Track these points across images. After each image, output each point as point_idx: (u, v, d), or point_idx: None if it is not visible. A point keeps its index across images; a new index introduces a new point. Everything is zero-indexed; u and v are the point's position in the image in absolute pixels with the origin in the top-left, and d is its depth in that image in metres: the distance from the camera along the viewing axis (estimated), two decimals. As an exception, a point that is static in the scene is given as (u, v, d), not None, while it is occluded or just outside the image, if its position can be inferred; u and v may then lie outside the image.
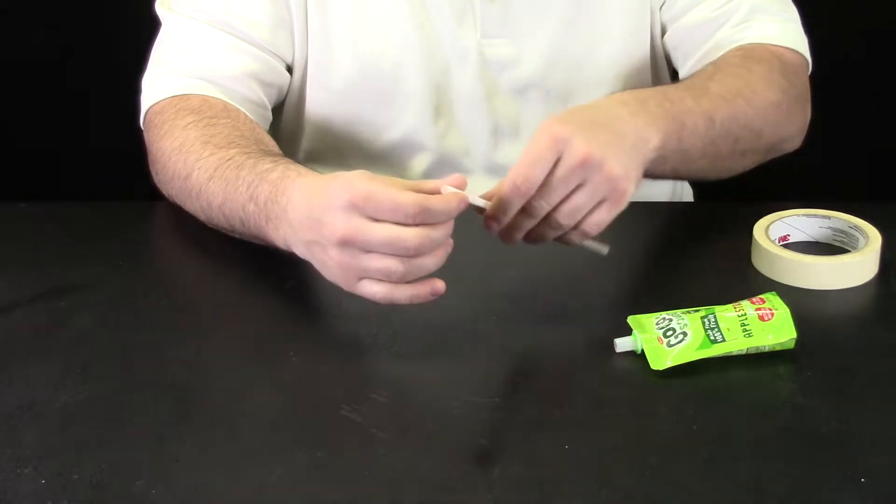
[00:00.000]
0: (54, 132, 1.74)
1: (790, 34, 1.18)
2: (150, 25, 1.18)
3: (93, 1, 1.67)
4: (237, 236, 1.05)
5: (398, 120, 1.21)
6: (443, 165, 1.24)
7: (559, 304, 0.99)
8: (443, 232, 0.88)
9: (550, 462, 0.80)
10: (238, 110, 1.13)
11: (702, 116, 1.05)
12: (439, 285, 0.89)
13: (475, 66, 1.19)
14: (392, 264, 0.87)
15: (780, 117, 1.13)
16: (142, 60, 1.18)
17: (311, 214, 0.90)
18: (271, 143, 1.09)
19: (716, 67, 1.13)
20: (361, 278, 0.89)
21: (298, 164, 0.99)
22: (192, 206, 1.08)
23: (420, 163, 1.24)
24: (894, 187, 1.67)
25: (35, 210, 1.18)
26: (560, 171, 0.91)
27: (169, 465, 0.81)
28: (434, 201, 0.86)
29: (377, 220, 0.86)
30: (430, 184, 0.89)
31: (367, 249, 0.87)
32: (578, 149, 0.91)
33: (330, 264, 0.90)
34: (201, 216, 1.07)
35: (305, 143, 1.26)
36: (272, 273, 1.00)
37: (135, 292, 1.03)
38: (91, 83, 1.69)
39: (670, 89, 1.06)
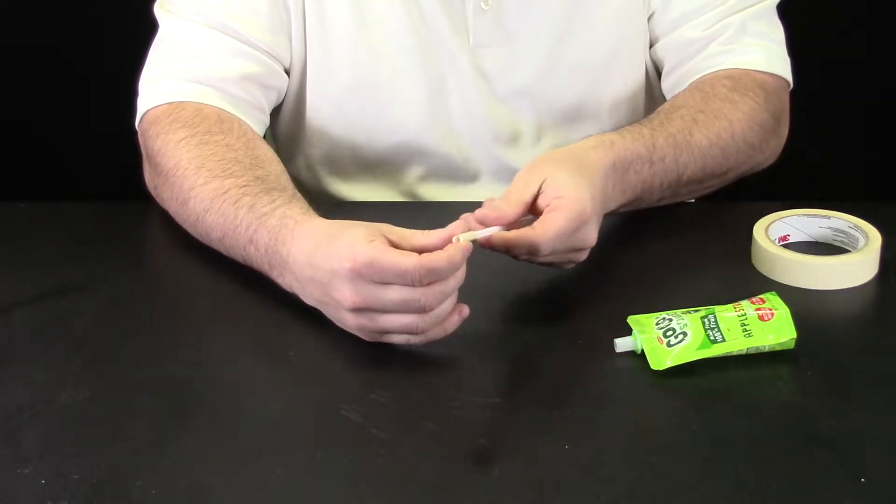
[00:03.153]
0: (54, 132, 1.75)
1: (774, 60, 1.19)
2: (151, 26, 1.18)
3: (94, 1, 1.67)
4: None
5: (397, 126, 1.21)
6: (443, 171, 1.23)
7: (559, 304, 0.99)
8: (454, 283, 0.88)
9: (550, 462, 0.80)
10: (232, 120, 1.11)
11: (674, 174, 1.08)
12: (465, 310, 0.91)
13: (469, 74, 1.19)
14: (412, 320, 0.88)
15: (751, 155, 1.15)
16: (142, 61, 1.17)
17: (314, 276, 0.91)
18: (266, 159, 1.07)
19: (704, 99, 1.13)
20: (384, 333, 0.90)
21: (296, 201, 0.99)
22: (190, 229, 1.07)
23: (420, 168, 1.24)
24: (894, 187, 1.68)
25: (35, 210, 1.18)
26: (562, 249, 0.95)
27: (169, 465, 0.81)
28: (438, 261, 0.86)
29: (386, 284, 0.87)
30: (436, 235, 0.89)
31: (383, 311, 0.88)
32: (591, 240, 0.96)
33: (347, 323, 0.91)
34: (199, 239, 1.07)
35: (305, 149, 1.25)
36: (272, 273, 0.99)
37: (135, 292, 1.03)
38: (91, 83, 1.70)
39: (659, 139, 1.07)
